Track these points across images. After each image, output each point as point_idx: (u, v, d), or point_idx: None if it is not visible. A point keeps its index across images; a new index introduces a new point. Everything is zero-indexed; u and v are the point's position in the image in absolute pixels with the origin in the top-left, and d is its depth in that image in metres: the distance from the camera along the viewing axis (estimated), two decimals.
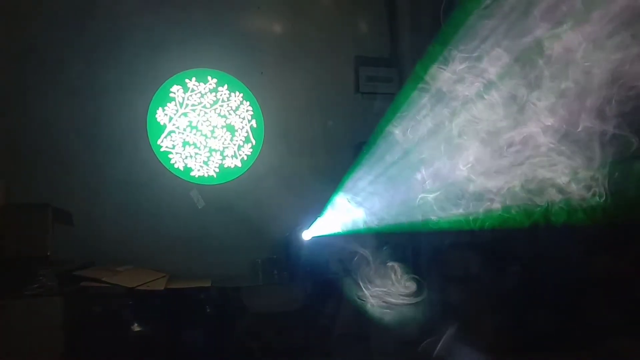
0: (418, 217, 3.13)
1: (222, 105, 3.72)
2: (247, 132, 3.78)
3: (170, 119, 3.60)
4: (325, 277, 3.42)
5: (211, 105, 3.70)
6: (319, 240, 3.53)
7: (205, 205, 3.65)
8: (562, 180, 2.42)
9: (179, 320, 3.14)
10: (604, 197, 2.31)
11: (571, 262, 3.34)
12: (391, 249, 3.49)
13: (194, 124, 3.66)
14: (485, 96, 2.81)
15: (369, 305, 3.18)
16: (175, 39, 3.61)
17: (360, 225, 3.44)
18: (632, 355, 2.83)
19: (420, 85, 3.13)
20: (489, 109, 2.72)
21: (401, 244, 3.62)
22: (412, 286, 3.25)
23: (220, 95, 3.72)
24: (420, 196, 3.04)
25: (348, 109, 4.04)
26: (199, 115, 3.67)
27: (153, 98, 3.57)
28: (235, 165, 3.76)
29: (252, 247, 3.66)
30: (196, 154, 3.66)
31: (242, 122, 3.77)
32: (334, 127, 3.97)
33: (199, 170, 3.67)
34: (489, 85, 2.90)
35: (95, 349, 2.84)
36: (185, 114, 3.64)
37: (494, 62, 2.82)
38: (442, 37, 3.79)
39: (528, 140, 2.52)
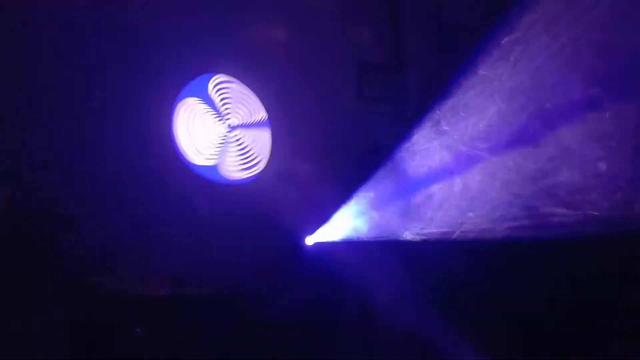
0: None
1: (226, 110, 3.73)
2: (250, 137, 3.79)
3: (175, 124, 3.60)
4: (329, 283, 3.43)
5: (215, 110, 3.70)
6: (323, 246, 3.54)
7: (210, 212, 3.65)
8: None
9: (184, 326, 3.14)
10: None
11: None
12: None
13: (198, 130, 3.66)
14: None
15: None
16: (180, 46, 3.61)
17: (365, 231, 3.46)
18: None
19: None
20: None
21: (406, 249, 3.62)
22: None
23: (225, 101, 3.72)
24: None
25: (351, 115, 4.05)
26: (203, 120, 3.67)
27: (157, 103, 3.57)
28: (239, 170, 3.76)
29: (256, 253, 3.66)
30: (202, 158, 3.66)
31: (245, 127, 3.78)
32: (337, 133, 3.97)
33: (204, 174, 3.67)
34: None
35: (100, 355, 2.85)
36: (189, 120, 3.64)
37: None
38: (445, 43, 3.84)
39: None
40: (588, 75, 2.55)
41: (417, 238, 3.25)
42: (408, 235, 3.26)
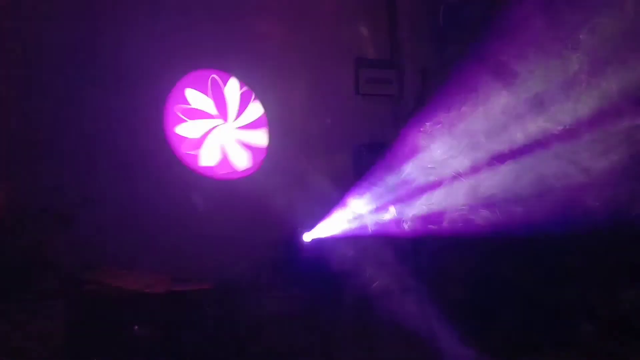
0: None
1: (224, 107, 3.71)
2: (248, 134, 3.78)
3: (173, 120, 3.59)
4: (327, 279, 3.43)
5: (213, 107, 3.69)
6: (320, 242, 3.55)
7: (207, 208, 3.64)
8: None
9: (181, 322, 3.14)
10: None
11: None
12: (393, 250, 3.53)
13: (196, 126, 3.64)
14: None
15: None
16: (178, 42, 3.59)
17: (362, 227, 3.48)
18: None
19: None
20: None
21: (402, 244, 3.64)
22: None
23: (222, 96, 3.70)
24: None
25: (348, 111, 4.05)
26: (201, 116, 3.66)
27: (156, 100, 3.55)
28: (236, 167, 3.75)
29: (254, 249, 3.65)
30: (199, 155, 3.65)
31: (243, 124, 3.77)
32: (335, 129, 3.98)
33: (201, 172, 3.65)
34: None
35: (97, 352, 2.84)
36: (187, 115, 3.63)
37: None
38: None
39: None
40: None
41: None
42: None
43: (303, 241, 3.58)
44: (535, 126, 2.73)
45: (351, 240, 3.48)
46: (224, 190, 3.69)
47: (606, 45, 2.28)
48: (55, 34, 3.34)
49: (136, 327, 3.01)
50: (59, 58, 3.35)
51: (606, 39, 2.27)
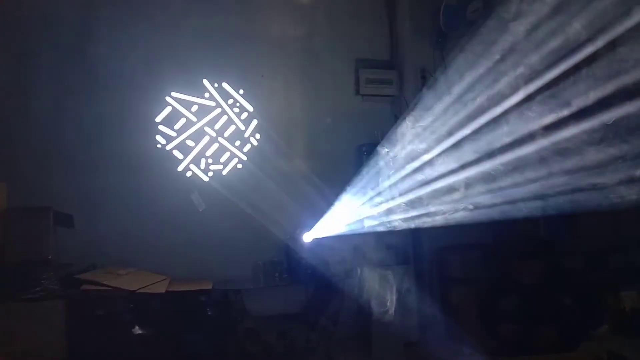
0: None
1: (223, 108, 3.72)
2: (247, 134, 3.78)
3: (172, 122, 3.60)
4: (326, 279, 3.43)
5: (212, 109, 3.70)
6: (319, 242, 3.54)
7: (206, 208, 3.65)
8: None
9: (181, 323, 3.14)
10: None
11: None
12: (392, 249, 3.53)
13: (195, 128, 3.65)
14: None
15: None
16: (178, 42, 3.60)
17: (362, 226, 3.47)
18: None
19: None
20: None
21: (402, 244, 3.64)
22: None
23: (222, 98, 3.71)
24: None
25: (348, 111, 4.05)
26: (200, 119, 3.67)
27: (155, 101, 3.57)
28: (236, 168, 3.76)
29: (253, 250, 3.67)
30: (198, 157, 3.66)
31: (243, 125, 3.77)
32: (335, 129, 3.97)
33: (200, 173, 3.66)
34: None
35: (97, 352, 2.84)
36: (186, 117, 3.63)
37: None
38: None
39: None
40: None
41: None
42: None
43: (303, 241, 3.58)
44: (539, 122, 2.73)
45: (351, 240, 3.48)
46: (225, 191, 3.69)
47: None
48: (57, 39, 3.38)
49: (136, 327, 3.01)
50: (59, 62, 3.38)
51: None
